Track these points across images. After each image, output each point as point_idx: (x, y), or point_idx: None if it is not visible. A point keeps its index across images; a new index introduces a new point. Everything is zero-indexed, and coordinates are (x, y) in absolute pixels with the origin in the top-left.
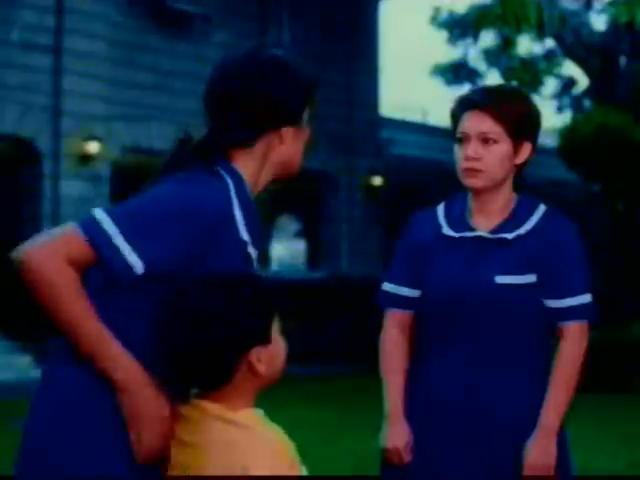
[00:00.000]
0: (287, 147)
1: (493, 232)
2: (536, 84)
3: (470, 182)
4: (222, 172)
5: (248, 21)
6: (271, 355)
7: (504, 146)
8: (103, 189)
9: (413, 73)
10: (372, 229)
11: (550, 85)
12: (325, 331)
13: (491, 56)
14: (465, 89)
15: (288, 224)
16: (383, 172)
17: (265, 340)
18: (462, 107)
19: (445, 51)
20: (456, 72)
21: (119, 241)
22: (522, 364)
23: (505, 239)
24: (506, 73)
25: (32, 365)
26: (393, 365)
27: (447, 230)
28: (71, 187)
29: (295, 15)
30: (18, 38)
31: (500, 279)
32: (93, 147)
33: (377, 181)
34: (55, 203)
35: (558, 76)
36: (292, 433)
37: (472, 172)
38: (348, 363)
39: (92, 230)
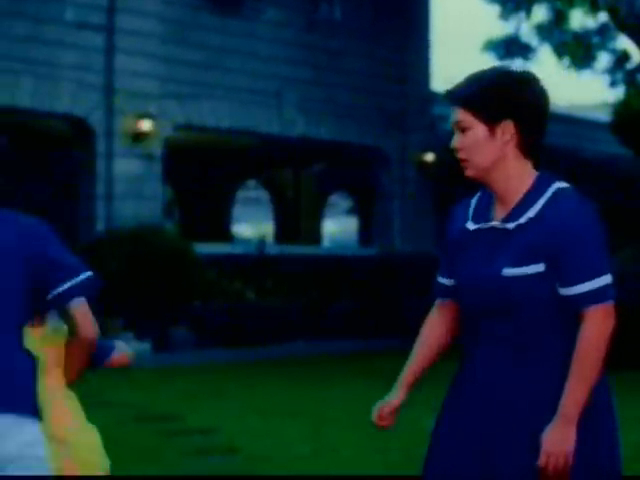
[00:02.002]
0: None
1: (503, 221)
2: (589, 59)
3: (465, 173)
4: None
5: None
6: None
7: (477, 130)
8: (156, 167)
9: (465, 49)
10: (424, 206)
11: (603, 60)
12: (377, 308)
13: (543, 31)
14: (517, 64)
15: (340, 201)
16: (435, 148)
17: None
18: (448, 102)
19: (497, 26)
20: (508, 47)
21: None
22: (543, 356)
23: (507, 229)
24: (558, 48)
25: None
26: (420, 339)
27: (470, 224)
28: (124, 165)
29: None
30: (72, 17)
31: (506, 271)
32: (146, 125)
33: (429, 157)
34: (108, 181)
35: (611, 50)
36: (346, 408)
37: (463, 163)
38: (400, 340)
39: None
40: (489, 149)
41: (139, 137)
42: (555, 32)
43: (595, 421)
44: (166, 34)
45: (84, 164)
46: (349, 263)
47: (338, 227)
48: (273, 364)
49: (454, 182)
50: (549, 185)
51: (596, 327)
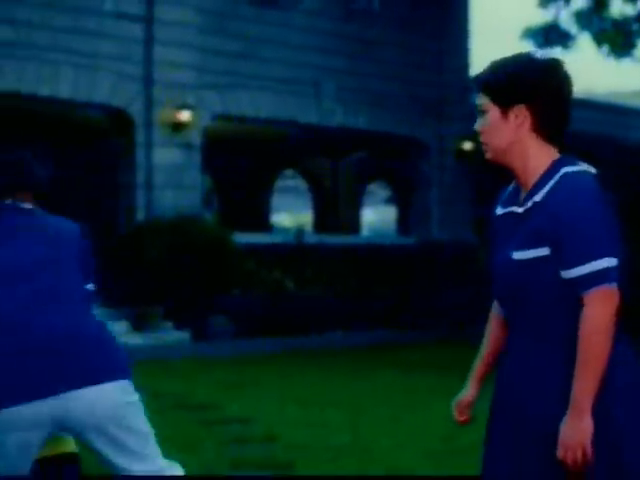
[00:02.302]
0: None
1: (518, 206)
2: (628, 46)
3: (485, 156)
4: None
5: None
6: None
7: (492, 114)
8: (195, 157)
9: (504, 36)
10: (463, 194)
11: None
12: (416, 297)
13: (583, 18)
14: (556, 53)
15: (378, 190)
16: (474, 137)
17: None
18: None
19: (537, 14)
20: (547, 35)
21: None
22: (550, 344)
23: (519, 214)
24: (597, 36)
25: (129, 331)
26: (487, 331)
27: (499, 209)
28: (164, 155)
29: None
30: (111, 8)
31: (515, 255)
32: (184, 115)
33: (467, 146)
34: (148, 171)
35: None
36: (384, 398)
37: (483, 146)
38: (438, 329)
39: None
40: (504, 132)
41: (178, 127)
42: (594, 19)
43: (610, 403)
44: (204, 24)
45: (124, 154)
46: (387, 252)
47: (377, 216)
48: (311, 354)
49: (492, 170)
50: (560, 169)
51: (595, 311)
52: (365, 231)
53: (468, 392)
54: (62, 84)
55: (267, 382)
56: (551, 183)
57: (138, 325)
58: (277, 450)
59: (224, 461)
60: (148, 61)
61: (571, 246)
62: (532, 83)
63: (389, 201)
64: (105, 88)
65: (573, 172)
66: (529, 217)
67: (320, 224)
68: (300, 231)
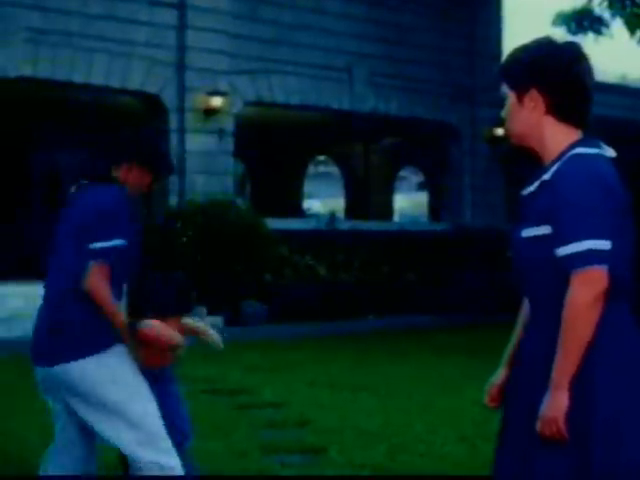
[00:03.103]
0: None
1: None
2: None
3: (511, 140)
4: None
5: None
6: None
7: (511, 99)
8: (227, 143)
9: (536, 22)
10: (495, 180)
11: None
12: (448, 283)
13: (616, 2)
14: (588, 38)
15: (411, 176)
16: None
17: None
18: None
19: None
20: (579, 21)
21: None
22: (548, 323)
23: (531, 192)
24: (629, 21)
25: None
26: (520, 316)
27: (524, 190)
28: (196, 141)
29: None
30: None
31: (523, 233)
32: (217, 101)
33: (500, 132)
34: (181, 156)
35: None
36: (416, 383)
37: (508, 132)
38: (471, 314)
39: None
40: (520, 117)
41: (210, 113)
42: (628, 4)
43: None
44: (237, 10)
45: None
46: (419, 238)
47: (409, 202)
48: (343, 338)
49: (523, 155)
50: (572, 150)
51: (576, 292)
52: (397, 217)
53: (499, 377)
54: (96, 71)
55: (299, 367)
56: (559, 163)
57: None
58: (309, 435)
59: (255, 445)
60: (181, 47)
61: (560, 225)
62: (540, 67)
63: (421, 187)
64: (138, 74)
65: (581, 154)
66: (538, 196)
67: (352, 210)
68: (332, 217)
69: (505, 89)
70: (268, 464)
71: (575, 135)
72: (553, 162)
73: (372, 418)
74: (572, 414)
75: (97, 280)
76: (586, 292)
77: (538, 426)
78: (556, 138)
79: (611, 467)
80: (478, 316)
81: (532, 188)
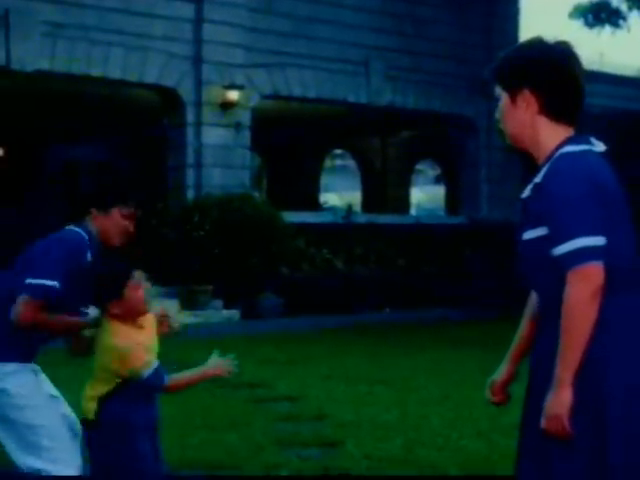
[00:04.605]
0: None
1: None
2: None
3: (506, 141)
4: None
5: None
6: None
7: (503, 100)
8: (244, 136)
9: (553, 15)
10: (512, 173)
11: None
12: (464, 276)
13: None
14: (606, 31)
15: (427, 169)
16: None
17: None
18: None
19: None
20: (596, 13)
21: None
22: (553, 324)
23: (528, 195)
24: None
25: (179, 309)
26: (525, 312)
27: (524, 193)
28: (213, 134)
29: None
30: None
31: (525, 235)
32: (233, 95)
33: None
34: (198, 150)
35: None
36: (433, 376)
37: (503, 134)
38: (487, 308)
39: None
40: (513, 117)
41: (227, 106)
42: None
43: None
44: (254, 4)
45: (174, 133)
46: (436, 231)
47: (426, 195)
48: (360, 331)
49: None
50: (561, 149)
51: (572, 290)
52: (414, 210)
53: (501, 373)
54: (112, 64)
55: (316, 360)
56: (548, 164)
57: (188, 304)
58: (326, 428)
59: (272, 439)
60: (198, 41)
61: (553, 226)
62: (530, 67)
63: (438, 180)
64: (155, 68)
65: (569, 152)
66: (533, 198)
67: (369, 203)
68: (349, 210)
69: (498, 90)
70: (285, 457)
71: (567, 133)
72: (544, 163)
73: (389, 411)
74: (586, 405)
75: (22, 312)
76: (582, 289)
77: (542, 423)
78: (549, 138)
79: (629, 458)
80: (495, 310)
81: (528, 191)
